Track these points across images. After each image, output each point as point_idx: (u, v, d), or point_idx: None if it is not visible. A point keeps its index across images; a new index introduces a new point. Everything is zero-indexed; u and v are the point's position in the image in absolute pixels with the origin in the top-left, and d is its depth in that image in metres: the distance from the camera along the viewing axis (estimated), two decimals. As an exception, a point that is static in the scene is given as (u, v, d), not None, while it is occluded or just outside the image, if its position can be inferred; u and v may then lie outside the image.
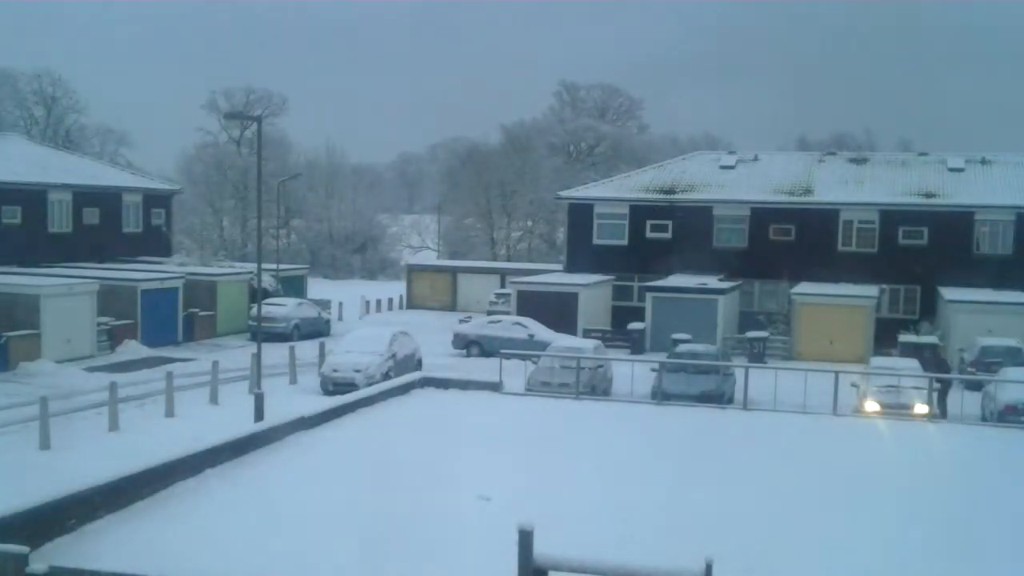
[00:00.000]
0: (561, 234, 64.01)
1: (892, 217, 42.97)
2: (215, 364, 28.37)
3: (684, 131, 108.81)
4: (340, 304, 51.09)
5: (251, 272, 43.33)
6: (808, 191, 45.10)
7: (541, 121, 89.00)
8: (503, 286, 51.55)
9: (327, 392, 28.16)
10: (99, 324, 35.65)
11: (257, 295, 28.17)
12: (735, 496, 14.89)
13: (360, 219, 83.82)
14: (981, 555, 12.67)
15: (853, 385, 25.06)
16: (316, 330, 42.52)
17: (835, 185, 45.44)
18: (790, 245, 43.86)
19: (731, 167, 48.35)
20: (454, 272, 57.52)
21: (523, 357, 28.95)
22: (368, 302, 53.87)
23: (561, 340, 32.92)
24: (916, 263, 42.03)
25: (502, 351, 26.74)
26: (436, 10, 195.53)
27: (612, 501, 14.32)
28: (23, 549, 10.58)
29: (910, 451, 18.65)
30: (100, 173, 49.81)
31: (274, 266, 47.93)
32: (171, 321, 39.47)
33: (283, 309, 41.94)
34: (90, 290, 35.43)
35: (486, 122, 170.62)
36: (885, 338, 38.27)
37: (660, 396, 23.31)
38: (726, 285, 41.52)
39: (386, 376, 28.41)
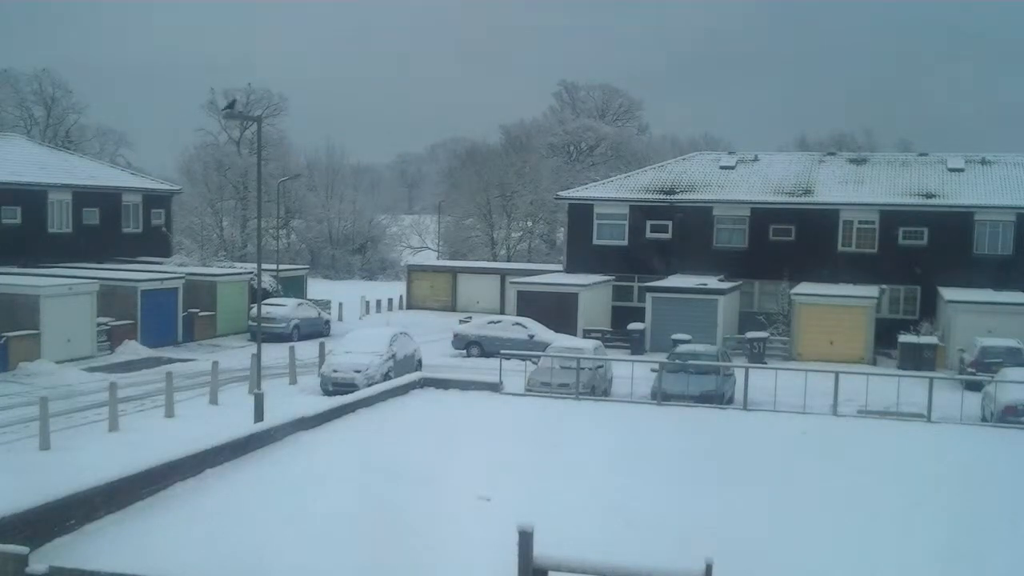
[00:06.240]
0: (561, 234, 64.02)
1: (892, 217, 42.97)
2: (215, 364, 28.35)
3: (684, 132, 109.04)
4: (340, 304, 51.10)
5: (251, 272, 43.35)
6: (808, 191, 45.10)
7: (541, 121, 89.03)
8: (503, 286, 51.59)
9: (327, 392, 28.12)
10: (99, 324, 35.64)
11: (257, 295, 28.12)
12: (735, 496, 14.88)
13: (360, 219, 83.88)
14: (981, 555, 12.66)
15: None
16: (316, 330, 42.51)
17: (835, 185, 45.44)
18: (790, 245, 43.86)
19: (731, 167, 48.36)
20: (454, 272, 57.50)
21: (523, 357, 28.96)
22: (368, 302, 53.86)
23: (561, 340, 32.90)
24: (916, 263, 42.05)
25: (502, 351, 26.78)
26: (436, 10, 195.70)
27: (612, 501, 14.30)
28: (23, 549, 10.58)
29: (910, 451, 18.64)
30: (100, 173, 49.79)
31: (274, 266, 47.91)
32: (171, 321, 39.48)
33: (283, 309, 41.93)
34: (90, 290, 35.42)
35: (486, 122, 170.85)
36: (885, 338, 38.31)
37: (660, 396, 23.29)
38: (726, 285, 41.49)
39: (386, 377, 28.38)
